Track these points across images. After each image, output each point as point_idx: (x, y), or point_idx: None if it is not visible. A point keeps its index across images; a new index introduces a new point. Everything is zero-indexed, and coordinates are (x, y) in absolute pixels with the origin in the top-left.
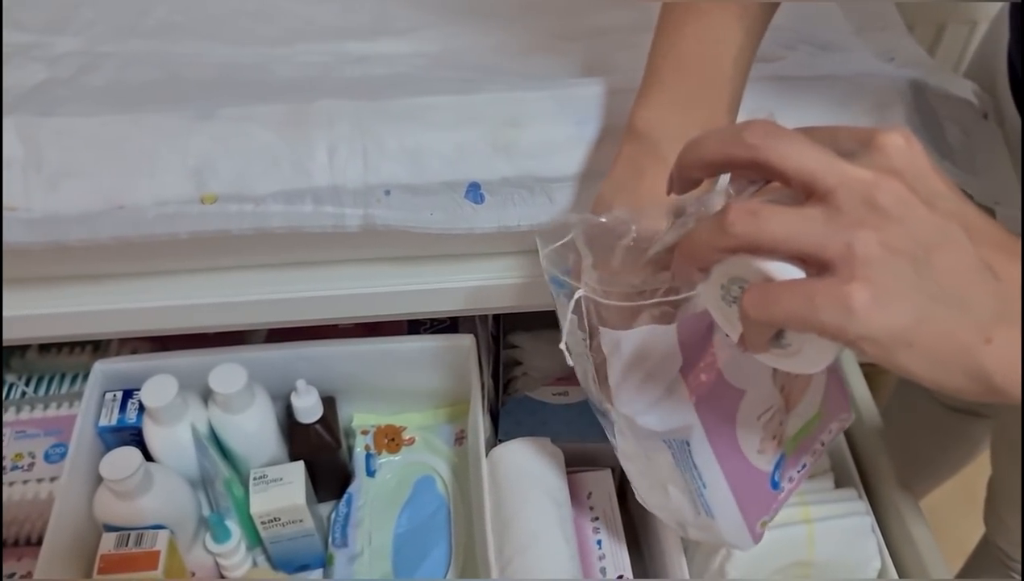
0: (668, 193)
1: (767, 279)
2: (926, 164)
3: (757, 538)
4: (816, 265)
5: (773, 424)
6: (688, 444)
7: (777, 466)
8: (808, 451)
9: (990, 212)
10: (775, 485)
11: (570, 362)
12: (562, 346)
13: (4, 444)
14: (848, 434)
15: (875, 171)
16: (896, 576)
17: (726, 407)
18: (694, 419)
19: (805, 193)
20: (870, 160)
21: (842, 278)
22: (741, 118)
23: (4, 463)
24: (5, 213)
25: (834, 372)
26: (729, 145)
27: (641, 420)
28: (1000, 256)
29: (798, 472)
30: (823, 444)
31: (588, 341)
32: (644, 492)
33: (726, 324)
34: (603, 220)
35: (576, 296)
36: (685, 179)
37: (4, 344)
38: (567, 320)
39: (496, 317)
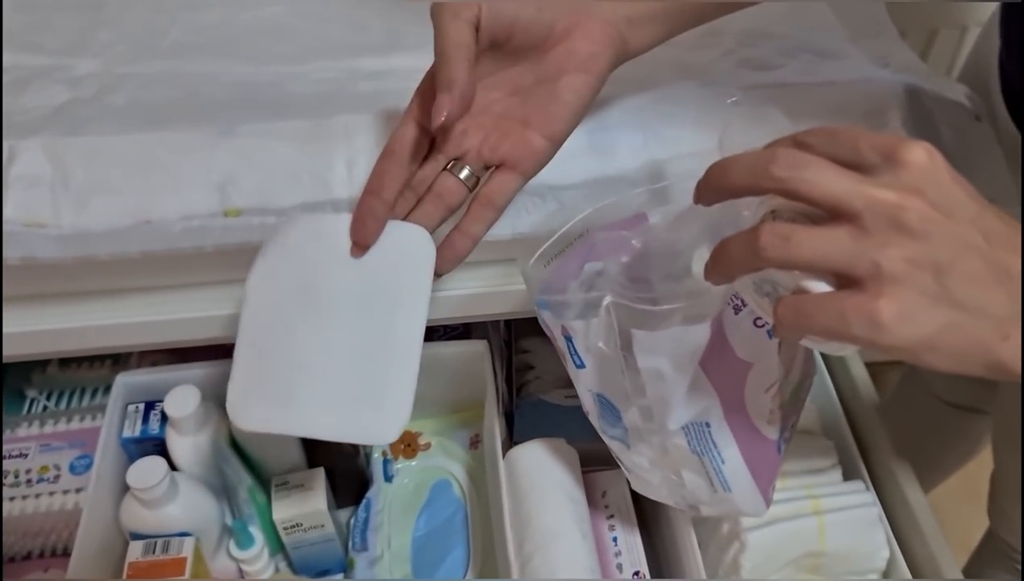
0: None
1: (798, 286)
2: (947, 177)
3: (769, 503)
4: (844, 279)
5: (779, 394)
6: (708, 425)
7: (782, 432)
8: (796, 411)
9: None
10: (779, 450)
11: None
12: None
13: (29, 457)
14: (854, 429)
15: (899, 191)
16: (905, 564)
17: (736, 382)
18: (714, 399)
19: (831, 214)
20: (894, 178)
21: (870, 295)
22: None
23: (30, 476)
24: (33, 230)
25: None
26: (757, 177)
27: (670, 420)
28: (1015, 258)
29: (789, 432)
30: (802, 402)
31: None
32: (655, 484)
33: (761, 311)
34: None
35: (605, 302)
36: (711, 199)
37: (32, 359)
38: (559, 337)
39: (507, 323)
